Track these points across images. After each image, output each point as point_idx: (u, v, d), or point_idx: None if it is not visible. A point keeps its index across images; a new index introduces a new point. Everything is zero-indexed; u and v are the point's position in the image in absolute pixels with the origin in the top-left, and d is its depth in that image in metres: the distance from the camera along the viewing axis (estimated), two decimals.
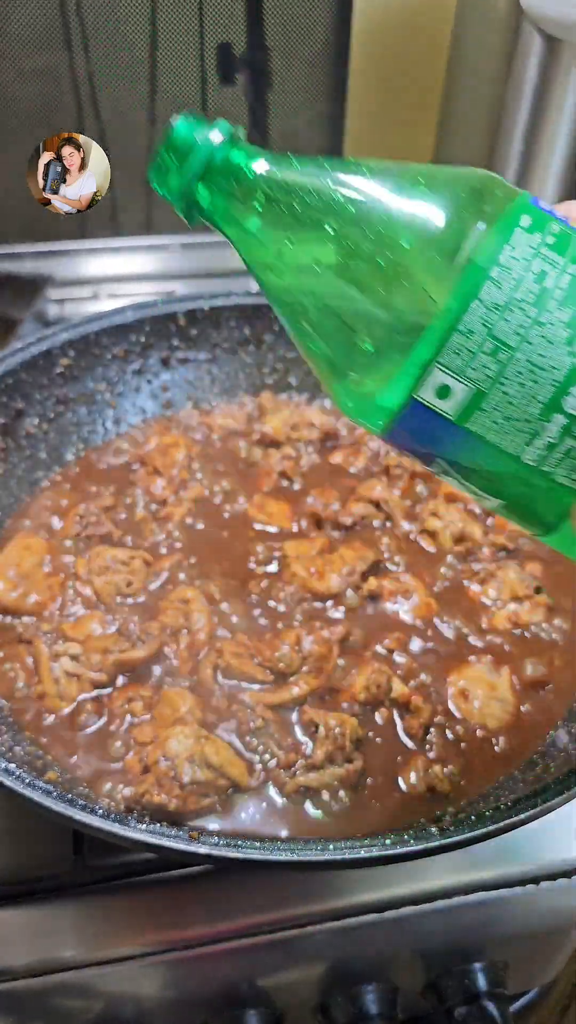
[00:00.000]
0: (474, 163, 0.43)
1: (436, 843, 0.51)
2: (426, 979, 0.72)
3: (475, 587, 0.76)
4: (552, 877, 0.70)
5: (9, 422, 0.82)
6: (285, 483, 0.86)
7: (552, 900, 0.70)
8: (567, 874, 0.70)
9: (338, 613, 0.73)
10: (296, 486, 0.86)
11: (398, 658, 0.70)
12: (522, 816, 0.52)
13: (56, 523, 0.80)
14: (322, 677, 0.67)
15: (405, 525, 0.82)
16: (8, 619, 0.71)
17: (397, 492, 0.84)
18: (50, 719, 0.65)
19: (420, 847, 0.51)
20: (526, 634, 0.73)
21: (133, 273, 1.30)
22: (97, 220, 1.27)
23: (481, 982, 0.70)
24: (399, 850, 0.51)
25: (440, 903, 0.67)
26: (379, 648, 0.71)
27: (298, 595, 0.74)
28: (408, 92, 1.47)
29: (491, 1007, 0.68)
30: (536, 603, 0.74)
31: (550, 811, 0.53)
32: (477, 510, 0.83)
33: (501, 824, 0.52)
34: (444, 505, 0.81)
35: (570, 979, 0.89)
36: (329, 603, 0.74)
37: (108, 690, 0.66)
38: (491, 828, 0.51)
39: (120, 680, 0.67)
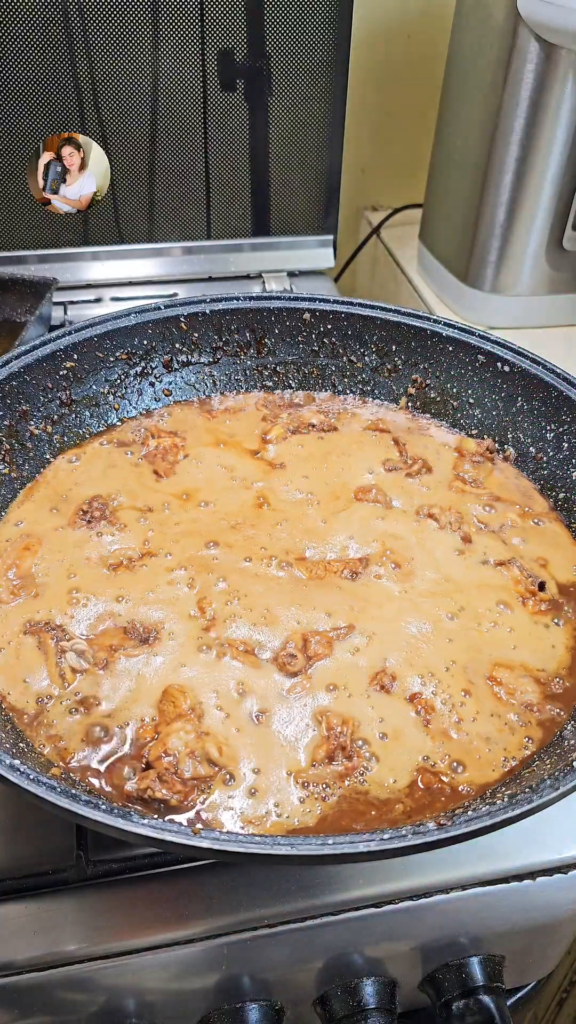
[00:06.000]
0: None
1: (433, 838, 0.51)
2: (424, 972, 0.73)
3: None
4: (548, 872, 0.70)
5: (14, 424, 0.83)
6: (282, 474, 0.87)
7: (548, 895, 0.71)
8: (562, 869, 0.71)
9: (342, 613, 0.74)
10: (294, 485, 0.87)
11: (401, 656, 0.71)
12: (518, 812, 0.53)
13: (59, 522, 0.81)
14: (326, 676, 0.68)
15: (404, 525, 0.83)
16: (11, 615, 0.72)
17: (394, 494, 0.85)
18: (54, 715, 0.65)
19: (418, 842, 0.51)
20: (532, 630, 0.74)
21: (136, 277, 1.31)
22: (99, 226, 1.28)
23: (478, 976, 0.71)
24: (397, 844, 0.51)
25: (438, 898, 0.68)
26: (383, 646, 0.71)
27: (303, 594, 0.75)
28: (407, 99, 1.48)
29: (488, 1000, 0.69)
30: (540, 599, 0.75)
31: (546, 807, 0.54)
32: (477, 508, 0.84)
33: (497, 819, 0.52)
34: (442, 503, 0.82)
35: (566, 973, 0.90)
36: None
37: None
38: (487, 823, 0.52)
39: None
